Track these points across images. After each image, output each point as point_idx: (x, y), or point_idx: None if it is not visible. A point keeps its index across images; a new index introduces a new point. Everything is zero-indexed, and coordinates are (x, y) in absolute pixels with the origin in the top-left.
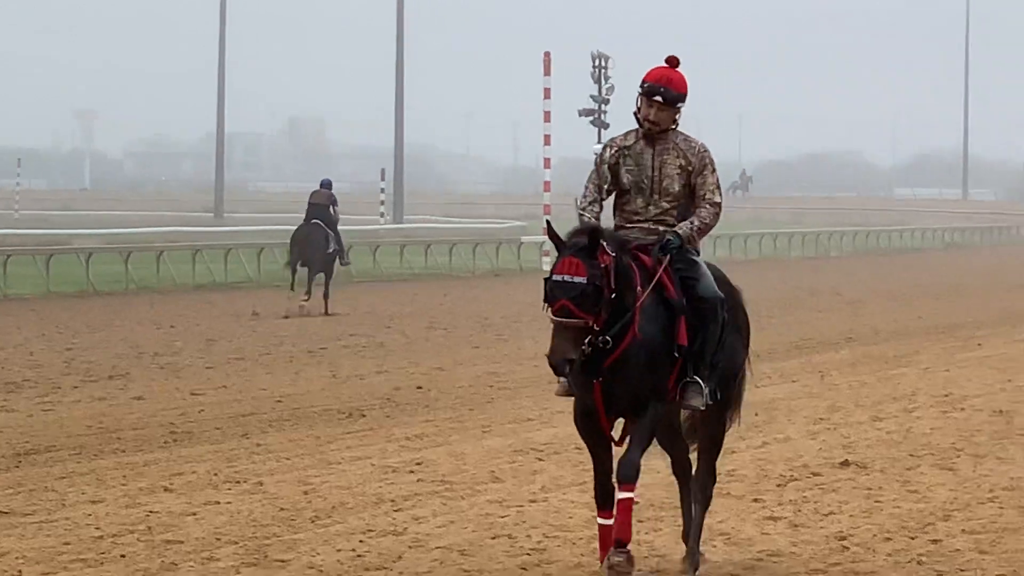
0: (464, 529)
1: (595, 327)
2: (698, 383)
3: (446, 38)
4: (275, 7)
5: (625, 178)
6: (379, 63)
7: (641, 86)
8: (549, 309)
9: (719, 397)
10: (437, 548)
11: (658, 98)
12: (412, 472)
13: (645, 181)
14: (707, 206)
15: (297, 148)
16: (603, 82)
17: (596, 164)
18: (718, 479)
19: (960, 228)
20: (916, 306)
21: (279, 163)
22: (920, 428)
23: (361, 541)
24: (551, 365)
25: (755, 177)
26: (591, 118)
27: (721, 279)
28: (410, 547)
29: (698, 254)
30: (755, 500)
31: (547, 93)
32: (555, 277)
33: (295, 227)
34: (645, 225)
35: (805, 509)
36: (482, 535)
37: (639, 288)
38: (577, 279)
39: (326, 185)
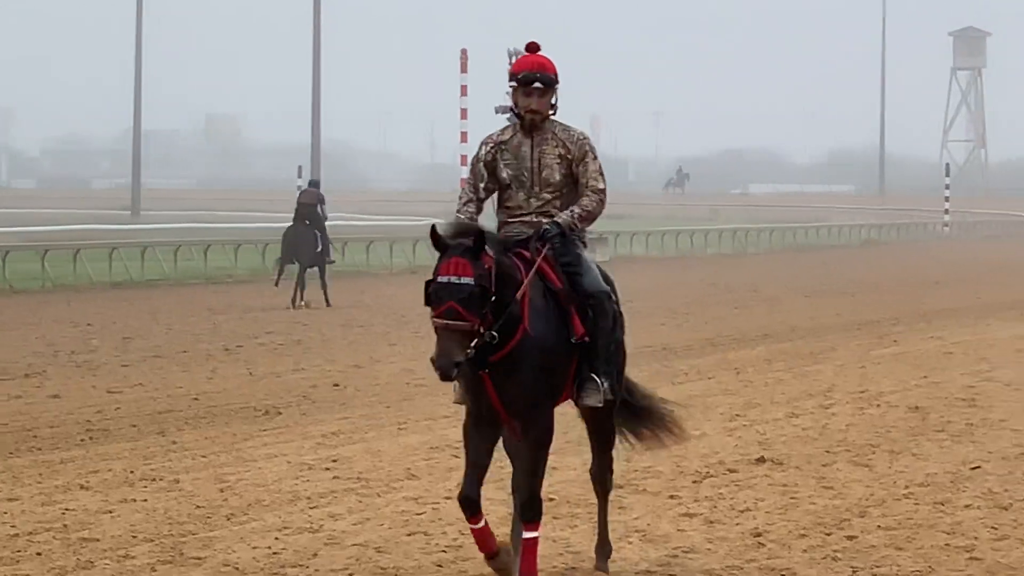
0: (380, 526)
1: (480, 330)
2: (595, 380)
3: (363, 35)
4: (191, 4)
5: (504, 173)
6: (295, 60)
7: (515, 78)
8: (432, 312)
9: (616, 393)
10: (353, 545)
11: (537, 84)
12: (328, 469)
13: (525, 174)
14: (590, 193)
15: (214, 145)
16: None
17: (472, 163)
18: (635, 476)
19: (876, 225)
20: (832, 303)
21: (196, 161)
22: (836, 424)
23: (277, 538)
24: (437, 369)
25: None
26: (508, 115)
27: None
28: (326, 544)
29: (584, 247)
30: (671, 497)
31: (464, 90)
32: (440, 279)
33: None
34: (528, 219)
35: (721, 506)
36: (398, 532)
37: (524, 281)
38: (464, 280)
39: (314, 185)
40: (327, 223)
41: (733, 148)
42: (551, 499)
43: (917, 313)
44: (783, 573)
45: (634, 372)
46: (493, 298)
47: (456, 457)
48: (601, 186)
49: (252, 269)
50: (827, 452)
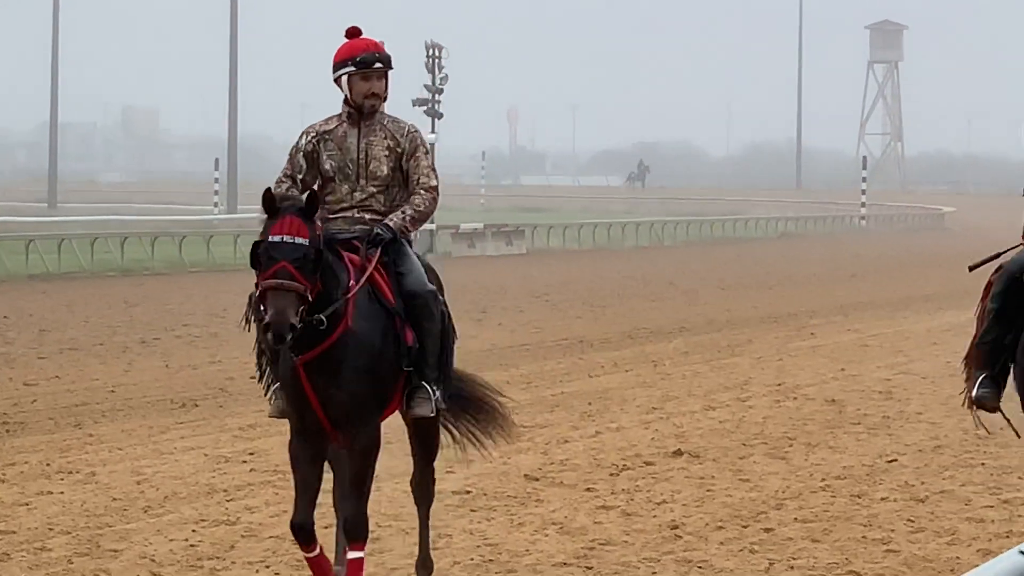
0: None
1: (310, 298)
2: (426, 388)
3: (280, 27)
4: None
5: (327, 164)
6: (213, 53)
7: (350, 62)
8: (262, 274)
9: (446, 401)
10: (270, 538)
11: (378, 65)
12: (245, 462)
13: (350, 165)
14: (422, 192)
15: (131, 138)
16: (437, 72)
17: (291, 153)
18: (551, 469)
19: (794, 218)
20: (749, 295)
21: (113, 153)
22: (753, 417)
23: (194, 531)
24: (271, 331)
25: (591, 166)
26: (424, 108)
27: (428, 268)
28: (243, 536)
29: (411, 244)
30: (588, 489)
31: None
32: (273, 238)
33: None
34: (349, 213)
35: (638, 498)
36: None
37: (352, 282)
38: (299, 240)
39: None
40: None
41: (649, 141)
42: (467, 491)
43: (834, 306)
44: (700, 565)
45: (551, 365)
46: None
47: None
48: (433, 183)
49: (169, 261)
50: (744, 445)
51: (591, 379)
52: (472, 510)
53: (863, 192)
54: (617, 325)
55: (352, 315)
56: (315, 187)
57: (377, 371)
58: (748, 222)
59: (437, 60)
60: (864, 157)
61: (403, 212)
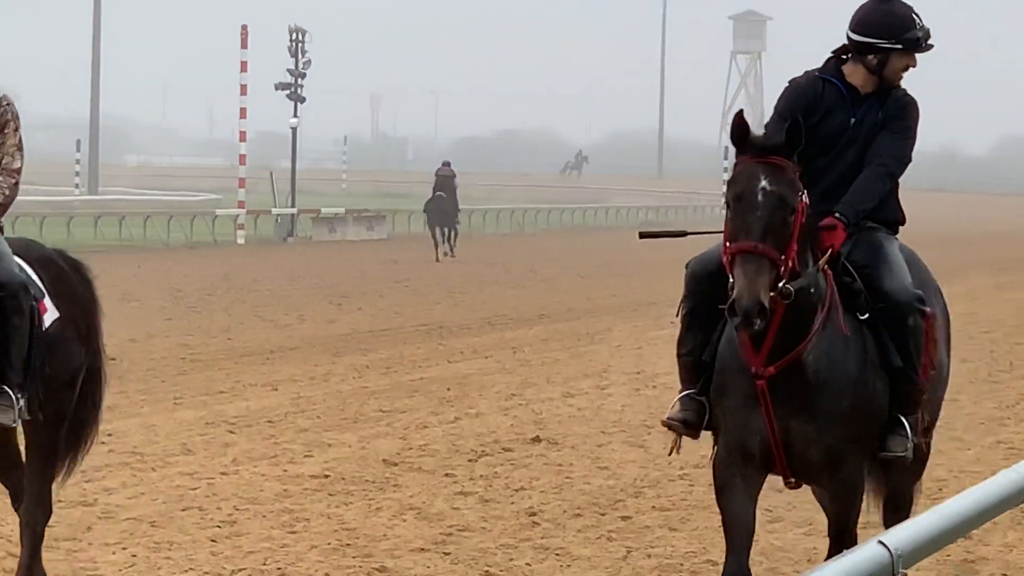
0: (154, 501)
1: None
2: (8, 395)
3: (143, 8)
4: None
5: None
6: (75, 33)
7: None
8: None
9: (34, 412)
10: (127, 519)
11: None
12: (103, 443)
13: None
14: (5, 175)
15: None
16: (300, 56)
17: None
18: (410, 455)
19: (655, 207)
20: (609, 284)
21: None
22: (611, 405)
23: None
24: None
25: (455, 156)
26: (287, 92)
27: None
28: (100, 518)
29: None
30: (446, 475)
31: (244, 66)
32: None
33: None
34: None
35: (496, 484)
36: (172, 507)
37: None
38: None
39: (448, 164)
40: None
41: (511, 128)
42: (326, 476)
43: None
44: (557, 553)
45: (410, 350)
46: None
47: (232, 433)
48: (17, 165)
49: None
50: (602, 432)
51: (450, 365)
52: (330, 494)
53: (725, 181)
54: (477, 311)
55: None
56: None
57: None
58: (609, 210)
59: (300, 44)
60: (726, 147)
61: None
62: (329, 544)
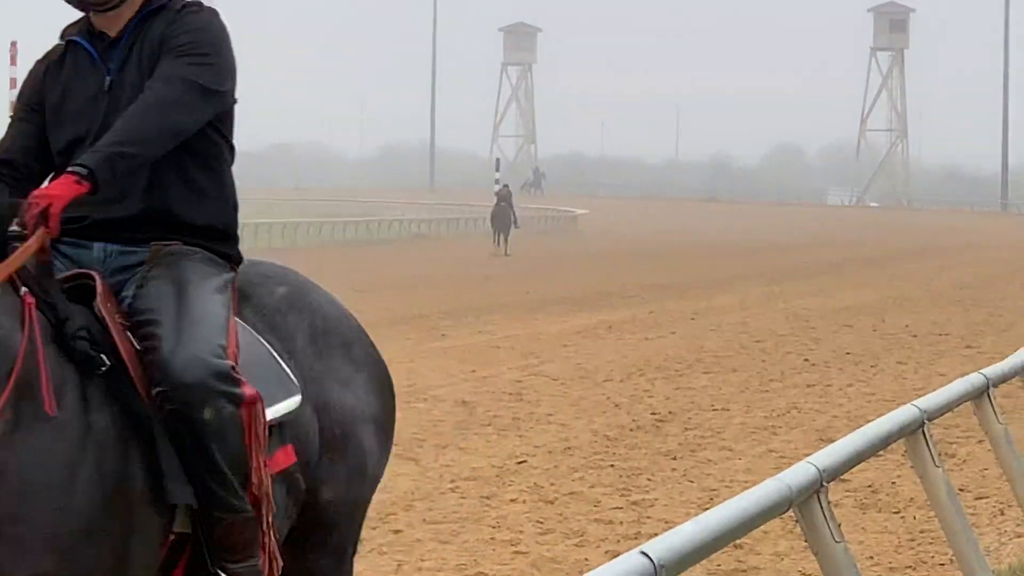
0: None
1: None
2: None
3: None
4: None
5: None
6: None
7: None
8: None
9: None
10: None
11: None
12: None
13: None
14: None
15: None
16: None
17: None
18: None
19: (427, 219)
20: (382, 297)
21: None
22: None
23: None
24: None
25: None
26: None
27: None
28: None
29: None
30: None
31: (13, 83)
32: None
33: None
34: None
35: None
36: None
37: None
38: None
39: (506, 186)
40: None
41: (284, 142)
42: None
43: (466, 307)
44: None
45: None
46: None
47: None
48: None
49: None
50: None
51: None
52: None
53: (496, 194)
54: None
55: None
56: None
57: None
58: (382, 223)
59: None
60: (497, 159)
61: None
62: None
